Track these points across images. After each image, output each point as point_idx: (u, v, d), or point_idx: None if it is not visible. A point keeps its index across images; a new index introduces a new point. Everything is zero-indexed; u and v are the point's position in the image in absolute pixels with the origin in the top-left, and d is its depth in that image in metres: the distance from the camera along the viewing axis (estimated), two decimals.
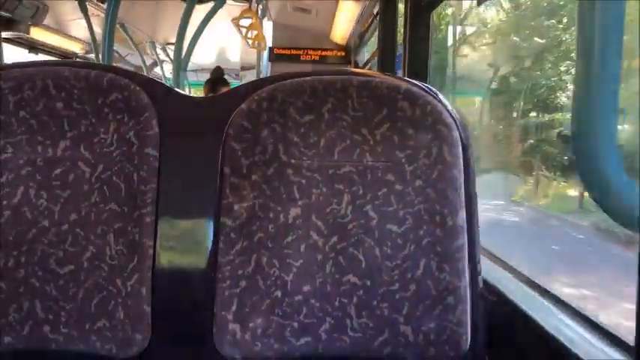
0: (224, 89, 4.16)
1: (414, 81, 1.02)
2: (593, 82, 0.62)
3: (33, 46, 4.54)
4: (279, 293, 0.98)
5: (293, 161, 0.99)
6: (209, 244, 0.99)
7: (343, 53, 5.51)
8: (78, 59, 5.36)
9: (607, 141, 0.64)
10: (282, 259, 0.98)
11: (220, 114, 1.01)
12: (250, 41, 4.42)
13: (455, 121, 0.99)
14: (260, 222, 0.98)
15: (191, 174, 1.01)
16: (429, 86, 1.02)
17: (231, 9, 4.25)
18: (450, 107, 1.00)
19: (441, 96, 1.01)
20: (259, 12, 4.65)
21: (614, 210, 0.66)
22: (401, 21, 2.51)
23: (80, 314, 0.98)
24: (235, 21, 4.17)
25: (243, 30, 4.35)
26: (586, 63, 0.63)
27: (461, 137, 0.98)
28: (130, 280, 0.98)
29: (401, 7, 2.55)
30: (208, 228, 0.99)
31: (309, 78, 1.01)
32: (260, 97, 1.00)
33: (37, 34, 4.23)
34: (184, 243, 1.00)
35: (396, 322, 0.97)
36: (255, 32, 4.31)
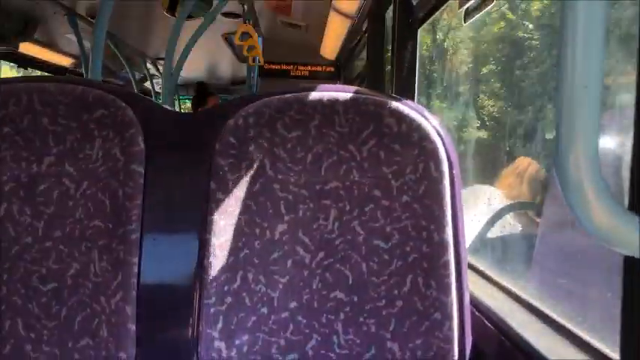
0: (212, 100, 4.18)
1: (400, 97, 1.03)
2: (573, 105, 0.63)
3: (22, 61, 4.52)
4: (265, 310, 0.97)
5: (280, 177, 0.99)
6: (194, 260, 0.98)
7: (332, 68, 5.54)
8: (68, 74, 5.34)
9: (591, 157, 0.65)
10: (268, 276, 0.97)
11: (207, 130, 1.01)
12: (247, 57, 4.43)
13: (441, 137, 0.99)
14: (246, 238, 0.98)
15: (177, 190, 1.01)
16: (416, 103, 1.03)
17: (221, 24, 4.27)
18: (436, 123, 1.00)
19: (427, 112, 1.01)
20: None
21: (598, 231, 0.67)
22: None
23: (63, 333, 0.97)
24: (231, 37, 4.18)
25: (238, 46, 4.35)
26: (567, 83, 0.63)
27: (447, 153, 0.99)
28: (114, 298, 0.97)
29: (389, 23, 2.58)
30: (194, 244, 0.98)
31: (296, 94, 1.01)
32: (247, 112, 1.00)
33: (26, 48, 4.22)
34: (169, 260, 1.00)
35: (382, 339, 0.97)
36: (252, 47, 4.32)
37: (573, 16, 0.61)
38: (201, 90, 4.33)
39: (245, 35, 4.01)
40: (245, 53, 4.17)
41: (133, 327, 0.96)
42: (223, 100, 5.56)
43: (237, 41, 4.09)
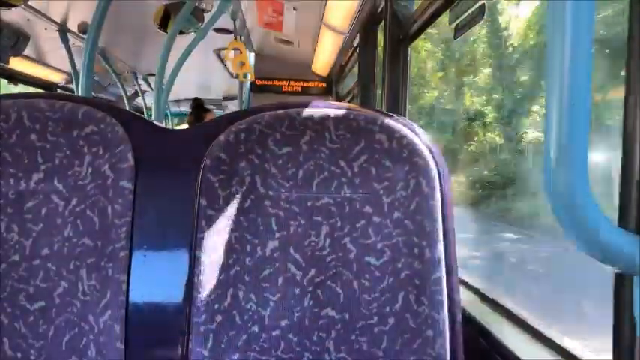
0: (208, 115, 4.17)
1: (391, 114, 1.03)
2: (563, 122, 0.63)
3: (12, 77, 4.51)
4: (255, 328, 0.96)
5: (271, 193, 0.98)
6: (184, 278, 0.97)
7: (324, 84, 5.57)
8: (59, 89, 5.33)
9: (580, 173, 0.65)
10: (259, 293, 0.96)
11: (197, 146, 1.01)
12: (237, 73, 4.45)
13: (432, 153, 0.99)
14: (237, 255, 0.97)
15: (166, 207, 1.00)
16: (406, 119, 1.03)
17: (213, 40, 4.28)
18: (426, 140, 1.01)
19: (418, 128, 1.02)
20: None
21: (589, 245, 0.67)
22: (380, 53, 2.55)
23: (51, 352, 0.95)
24: (223, 53, 4.20)
25: (229, 62, 4.37)
26: (556, 97, 0.64)
27: (438, 169, 0.99)
28: (102, 316, 0.95)
29: (380, 40, 2.60)
30: (184, 262, 0.97)
31: (287, 110, 1.01)
32: (238, 128, 1.00)
33: (16, 64, 4.21)
34: (159, 278, 0.98)
35: (375, 357, 0.96)
36: (242, 63, 4.34)
37: (560, 30, 0.62)
38: (197, 106, 4.29)
39: (235, 51, 4.03)
40: (235, 69, 4.18)
41: (121, 346, 0.95)
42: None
43: (226, 57, 4.11)
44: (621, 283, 0.76)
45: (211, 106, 5.37)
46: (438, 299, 0.96)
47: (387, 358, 0.95)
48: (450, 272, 0.98)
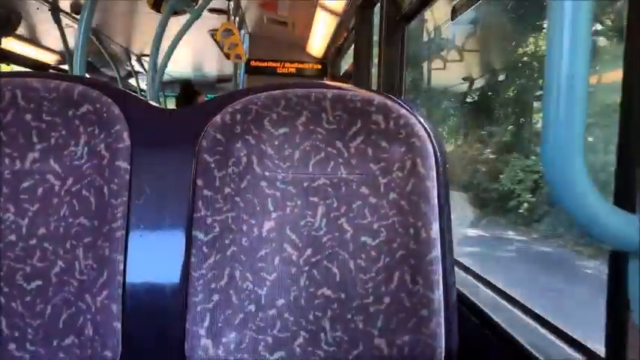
0: (199, 98, 4.16)
1: (388, 94, 1.03)
2: (560, 105, 0.63)
3: (5, 57, 4.46)
4: (252, 307, 0.96)
5: (267, 173, 0.98)
6: (181, 258, 0.97)
7: (320, 66, 5.53)
8: (51, 70, 5.28)
9: (577, 155, 0.65)
10: (255, 273, 0.97)
11: (194, 126, 1.00)
12: (229, 54, 4.41)
13: (429, 134, 0.99)
14: (233, 235, 0.97)
15: (163, 187, 1.00)
16: (403, 99, 1.03)
17: (207, 20, 4.24)
18: (423, 120, 1.00)
19: (415, 109, 1.01)
20: (236, 24, 4.65)
21: (586, 227, 0.68)
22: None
23: (48, 331, 0.96)
24: (213, 34, 4.16)
25: (222, 43, 4.33)
26: (554, 82, 0.64)
27: (434, 150, 0.99)
28: (99, 296, 0.95)
29: (376, 20, 2.58)
30: (180, 242, 0.97)
31: (283, 90, 1.01)
32: (234, 109, 0.99)
33: (9, 44, 4.16)
34: (155, 257, 0.99)
35: (370, 335, 0.97)
36: (234, 45, 4.30)
37: (560, 11, 0.62)
38: (187, 89, 4.26)
39: (227, 32, 3.99)
40: (227, 50, 4.15)
41: (118, 325, 0.95)
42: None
43: (218, 38, 4.08)
44: (616, 261, 0.77)
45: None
46: (433, 279, 0.97)
47: (382, 337, 0.96)
48: (445, 252, 0.98)
